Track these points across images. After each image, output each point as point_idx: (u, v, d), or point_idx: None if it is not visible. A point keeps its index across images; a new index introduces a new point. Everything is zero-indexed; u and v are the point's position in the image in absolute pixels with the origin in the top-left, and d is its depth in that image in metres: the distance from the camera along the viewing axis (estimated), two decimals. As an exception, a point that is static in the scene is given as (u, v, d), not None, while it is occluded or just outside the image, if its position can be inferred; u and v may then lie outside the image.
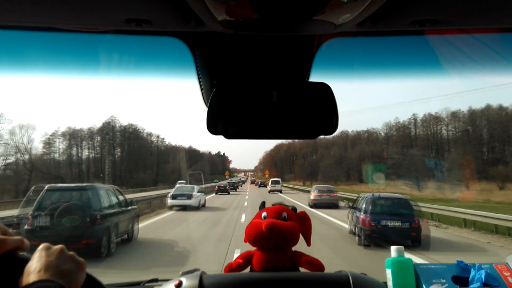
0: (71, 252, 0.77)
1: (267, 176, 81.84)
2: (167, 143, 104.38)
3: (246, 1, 0.73)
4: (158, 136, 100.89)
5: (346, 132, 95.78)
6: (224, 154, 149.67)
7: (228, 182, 50.91)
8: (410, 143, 77.01)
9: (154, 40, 1.04)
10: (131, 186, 55.51)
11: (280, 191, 42.96)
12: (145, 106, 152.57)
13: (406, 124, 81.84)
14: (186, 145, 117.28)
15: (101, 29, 0.95)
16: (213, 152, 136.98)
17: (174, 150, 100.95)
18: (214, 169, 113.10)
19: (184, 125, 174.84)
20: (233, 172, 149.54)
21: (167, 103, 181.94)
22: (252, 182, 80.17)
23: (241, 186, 65.19)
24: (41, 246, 0.76)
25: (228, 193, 38.83)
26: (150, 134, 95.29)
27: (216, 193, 38.28)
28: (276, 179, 48.24)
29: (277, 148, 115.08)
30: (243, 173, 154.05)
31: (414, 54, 1.18)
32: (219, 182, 44.99)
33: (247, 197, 33.51)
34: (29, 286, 0.67)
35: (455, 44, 1.08)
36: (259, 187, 62.76)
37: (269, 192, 40.87)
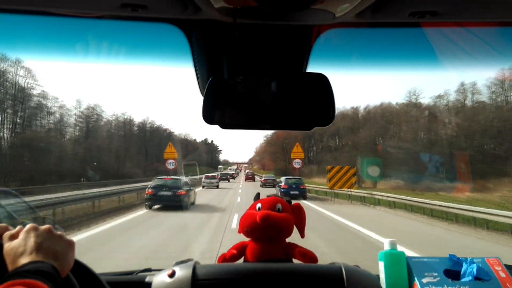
0: (59, 232, 0.74)
1: (298, 163, 28.58)
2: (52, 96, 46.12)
3: None
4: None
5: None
6: (212, 142, 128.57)
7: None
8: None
9: (149, 27, 1.01)
10: None
11: None
12: (136, 92, 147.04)
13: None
14: (163, 128, 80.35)
15: (96, 14, 0.93)
16: (198, 139, 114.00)
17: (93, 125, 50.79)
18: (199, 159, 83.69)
19: (169, 110, 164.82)
20: (224, 163, 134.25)
21: (159, 89, 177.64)
22: (248, 178, 50.41)
23: (226, 182, 41.18)
24: (28, 227, 0.72)
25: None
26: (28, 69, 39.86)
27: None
28: None
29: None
30: (235, 166, 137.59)
31: (413, 47, 1.17)
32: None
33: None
34: (21, 268, 0.64)
35: (454, 36, 1.07)
36: (282, 191, 21.59)
37: None
